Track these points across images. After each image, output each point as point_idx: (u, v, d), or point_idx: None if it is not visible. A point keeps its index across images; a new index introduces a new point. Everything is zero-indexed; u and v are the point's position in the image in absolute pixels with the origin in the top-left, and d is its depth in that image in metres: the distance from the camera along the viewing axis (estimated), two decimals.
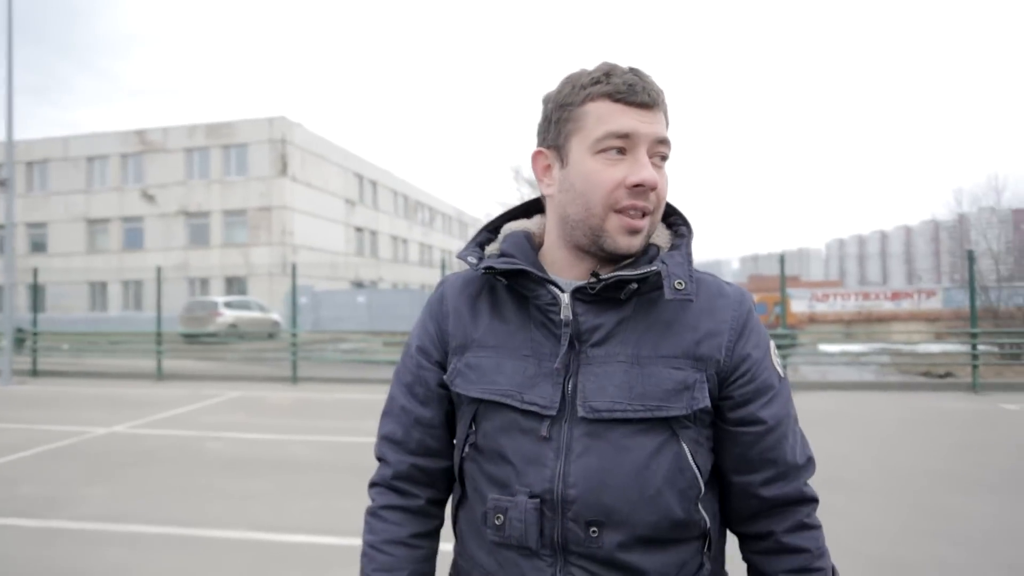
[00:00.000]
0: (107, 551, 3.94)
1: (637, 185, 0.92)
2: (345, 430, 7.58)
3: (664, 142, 0.95)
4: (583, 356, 0.94)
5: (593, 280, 0.95)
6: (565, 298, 0.95)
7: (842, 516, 4.41)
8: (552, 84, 1.01)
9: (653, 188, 0.93)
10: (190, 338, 17.84)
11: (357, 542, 4.33)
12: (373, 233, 38.03)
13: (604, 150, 0.93)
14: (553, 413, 0.93)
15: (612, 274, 0.93)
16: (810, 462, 1.00)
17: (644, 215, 0.94)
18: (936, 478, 5.45)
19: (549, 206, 1.02)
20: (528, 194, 26.08)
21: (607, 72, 0.94)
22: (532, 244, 1.04)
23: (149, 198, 31.09)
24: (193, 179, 30.86)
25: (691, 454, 0.93)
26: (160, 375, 12.91)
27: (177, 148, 30.96)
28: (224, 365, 14.78)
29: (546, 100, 1.00)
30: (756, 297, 18.29)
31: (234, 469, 5.92)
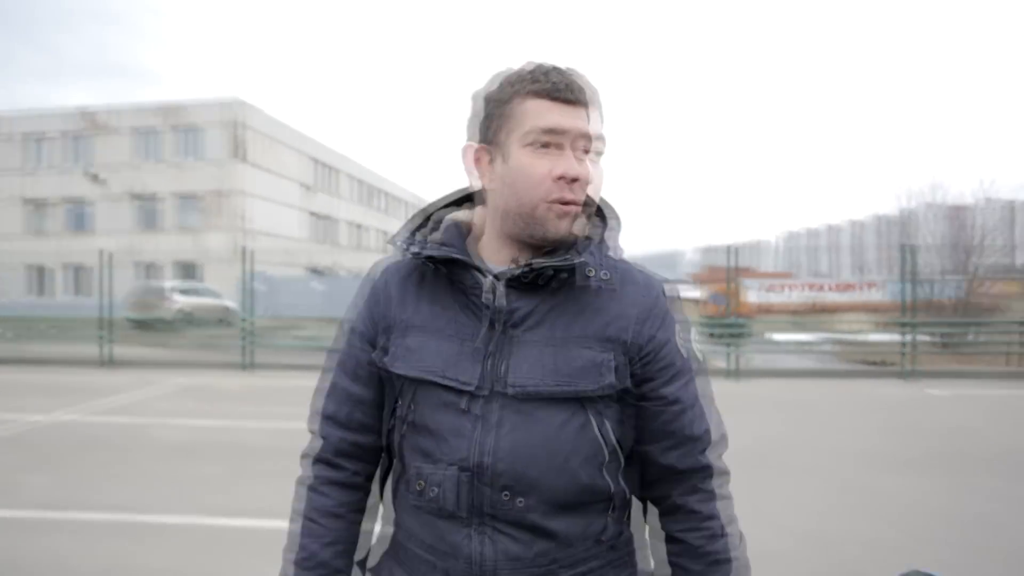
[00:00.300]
0: (48, 539, 3.88)
1: (564, 177, 0.99)
2: (299, 416, 7.46)
3: (591, 137, 1.02)
4: (504, 337, 1.02)
5: (517, 268, 1.02)
6: (489, 283, 1.02)
7: (775, 493, 4.63)
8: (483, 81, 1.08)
9: (577, 179, 1.00)
10: (139, 324, 17.35)
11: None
12: (331, 219, 37.49)
13: (535, 144, 0.99)
14: (472, 389, 1.00)
15: (538, 262, 1.01)
16: (708, 434, 1.07)
17: (574, 205, 1.02)
18: (862, 458, 5.76)
19: (488, 198, 1.08)
20: None
21: (538, 71, 1.01)
22: (463, 232, 1.11)
23: (96, 179, 29.97)
24: (143, 161, 29.86)
25: (598, 426, 1.01)
26: (106, 362, 12.56)
27: (126, 129, 29.88)
28: (175, 352, 14.45)
29: (476, 97, 1.06)
30: (711, 287, 18.71)
31: (183, 455, 5.86)
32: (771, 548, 3.49)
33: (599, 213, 1.12)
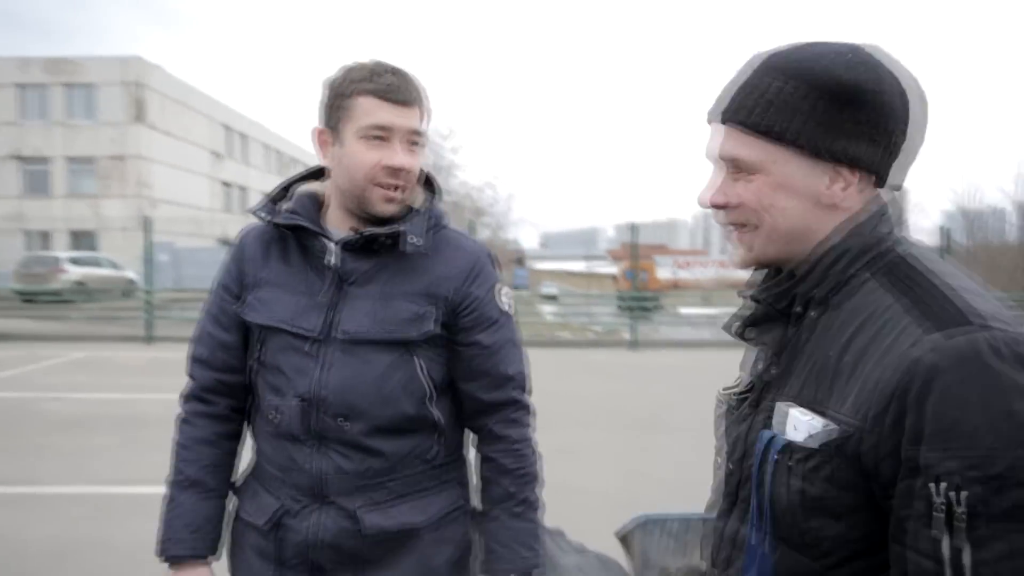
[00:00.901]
0: None
1: (390, 167, 1.18)
2: None
3: (418, 133, 1.20)
4: (344, 292, 1.22)
5: (354, 235, 1.21)
6: (333, 247, 1.21)
7: (655, 451, 5.05)
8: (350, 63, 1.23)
9: (404, 170, 1.19)
10: (27, 296, 16.23)
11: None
12: (242, 188, 35.93)
13: (367, 137, 1.17)
14: (314, 335, 1.19)
15: (368, 231, 1.21)
16: (519, 374, 1.29)
17: (398, 189, 1.20)
18: None
19: (331, 175, 1.27)
20: None
21: (375, 72, 1.19)
22: (316, 203, 1.29)
23: None
24: (28, 119, 27.47)
25: (421, 367, 1.22)
26: None
27: (7, 83, 27.32)
28: (68, 325, 13.66)
29: (325, 85, 1.23)
30: (625, 264, 19.43)
31: (74, 428, 5.69)
32: (645, 495, 3.86)
33: (429, 186, 1.33)
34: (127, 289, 18.48)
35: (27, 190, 27.58)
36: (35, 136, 27.34)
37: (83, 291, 16.77)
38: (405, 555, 1.22)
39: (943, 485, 0.64)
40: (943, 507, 0.64)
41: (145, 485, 4.24)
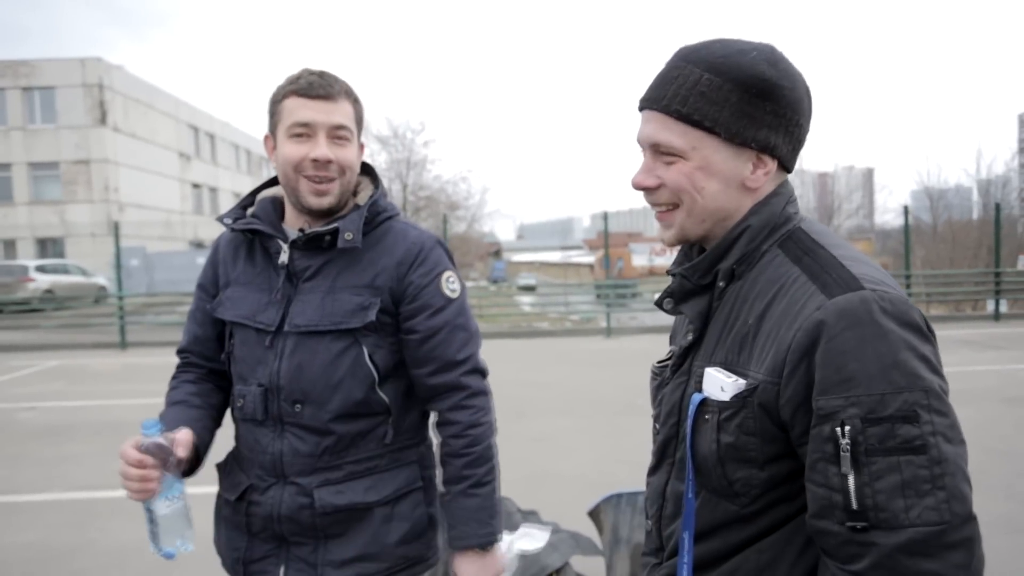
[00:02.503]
0: None
1: (315, 160, 1.25)
2: None
3: (341, 127, 1.26)
4: (296, 288, 1.31)
5: (299, 234, 1.30)
6: (284, 247, 1.30)
7: (630, 434, 5.16)
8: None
9: (328, 162, 1.26)
10: None
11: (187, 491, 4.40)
12: (213, 190, 35.39)
13: (294, 135, 1.25)
14: (273, 329, 1.29)
15: (311, 230, 1.29)
16: (465, 359, 1.33)
17: (327, 182, 1.27)
18: None
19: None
20: (383, 154, 25.56)
21: (299, 74, 1.27)
22: (277, 206, 1.38)
23: None
24: None
25: (369, 354, 1.29)
26: None
27: None
28: (39, 334, 13.42)
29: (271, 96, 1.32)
30: (601, 253, 19.59)
31: (50, 436, 5.66)
32: (617, 476, 3.97)
33: (375, 181, 1.41)
34: (98, 296, 18.16)
35: None
36: None
37: (53, 299, 16.44)
38: (359, 529, 1.30)
39: (847, 428, 0.74)
40: (848, 447, 0.74)
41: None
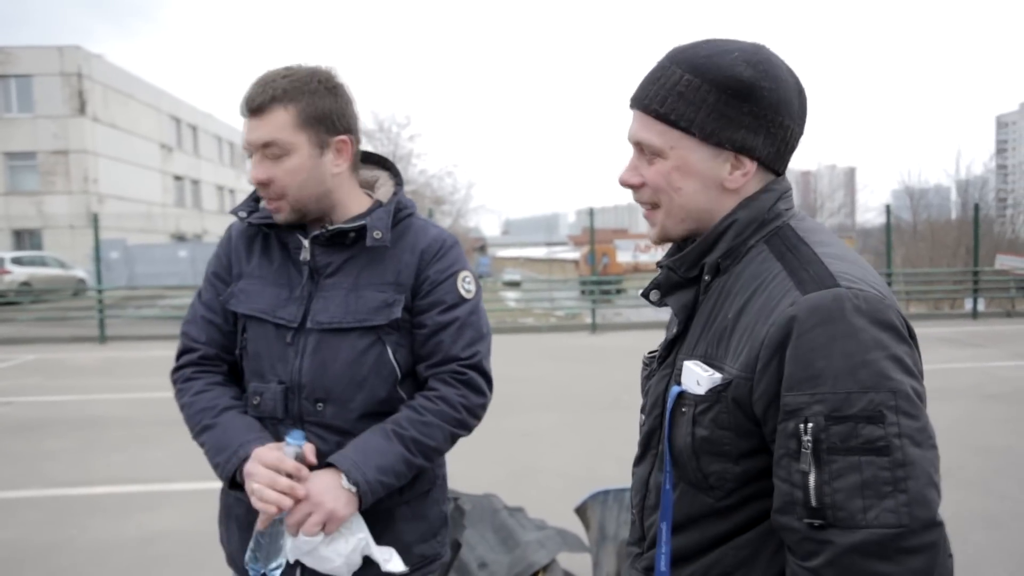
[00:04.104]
0: None
1: (254, 182, 1.24)
2: (157, 386, 7.21)
3: (269, 144, 1.20)
4: (318, 285, 1.28)
5: (321, 231, 1.27)
6: (305, 244, 1.28)
7: (616, 429, 5.17)
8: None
9: (260, 183, 1.22)
10: None
11: (165, 487, 4.41)
12: (195, 182, 34.94)
13: (248, 156, 1.25)
14: (295, 326, 1.26)
15: (335, 226, 1.27)
16: (473, 357, 1.31)
17: (274, 200, 1.24)
18: None
19: None
20: (368, 148, 25.39)
21: (248, 86, 1.23)
22: None
23: None
24: None
25: (391, 352, 1.28)
26: None
27: None
28: (16, 328, 13.18)
29: None
30: (586, 249, 19.61)
31: (28, 432, 5.55)
32: (603, 472, 3.98)
33: (397, 178, 1.39)
34: (77, 288, 17.85)
35: None
36: None
37: (30, 292, 16.14)
38: (381, 530, 1.27)
39: (811, 425, 0.73)
40: (809, 444, 0.73)
41: (104, 485, 4.21)
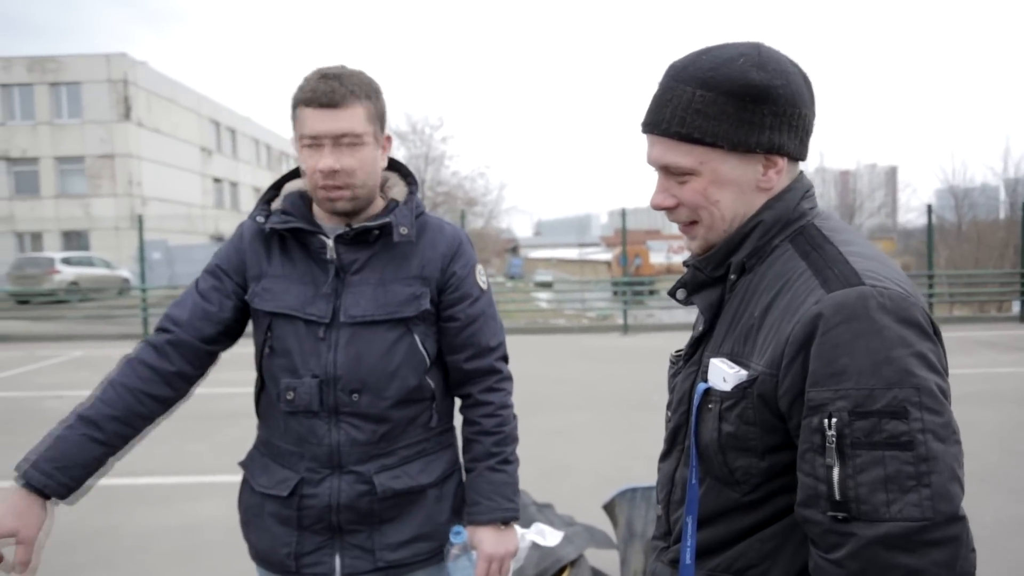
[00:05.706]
0: None
1: (321, 171, 1.26)
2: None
3: (351, 134, 1.25)
4: (345, 281, 1.34)
5: (347, 229, 1.33)
6: (329, 244, 1.33)
7: (646, 428, 5.17)
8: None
9: (333, 172, 1.26)
10: (21, 298, 16.24)
11: (206, 479, 4.55)
12: (233, 184, 35.77)
13: (305, 145, 1.28)
14: (327, 321, 1.31)
15: (359, 224, 1.32)
16: (499, 345, 1.43)
17: (336, 190, 1.28)
18: None
19: None
20: (402, 149, 25.64)
21: (308, 80, 1.28)
22: (306, 200, 1.39)
23: None
24: (13, 120, 27.20)
25: (420, 342, 1.35)
26: None
27: None
28: (65, 325, 13.71)
29: None
30: (618, 250, 19.54)
31: None
32: (633, 471, 3.99)
33: (408, 178, 1.44)
34: (122, 288, 18.48)
35: (16, 191, 27.40)
36: (22, 136, 27.12)
37: (78, 291, 16.77)
38: (414, 511, 1.36)
39: (835, 420, 0.75)
40: (834, 439, 0.75)
41: (148, 476, 4.37)
